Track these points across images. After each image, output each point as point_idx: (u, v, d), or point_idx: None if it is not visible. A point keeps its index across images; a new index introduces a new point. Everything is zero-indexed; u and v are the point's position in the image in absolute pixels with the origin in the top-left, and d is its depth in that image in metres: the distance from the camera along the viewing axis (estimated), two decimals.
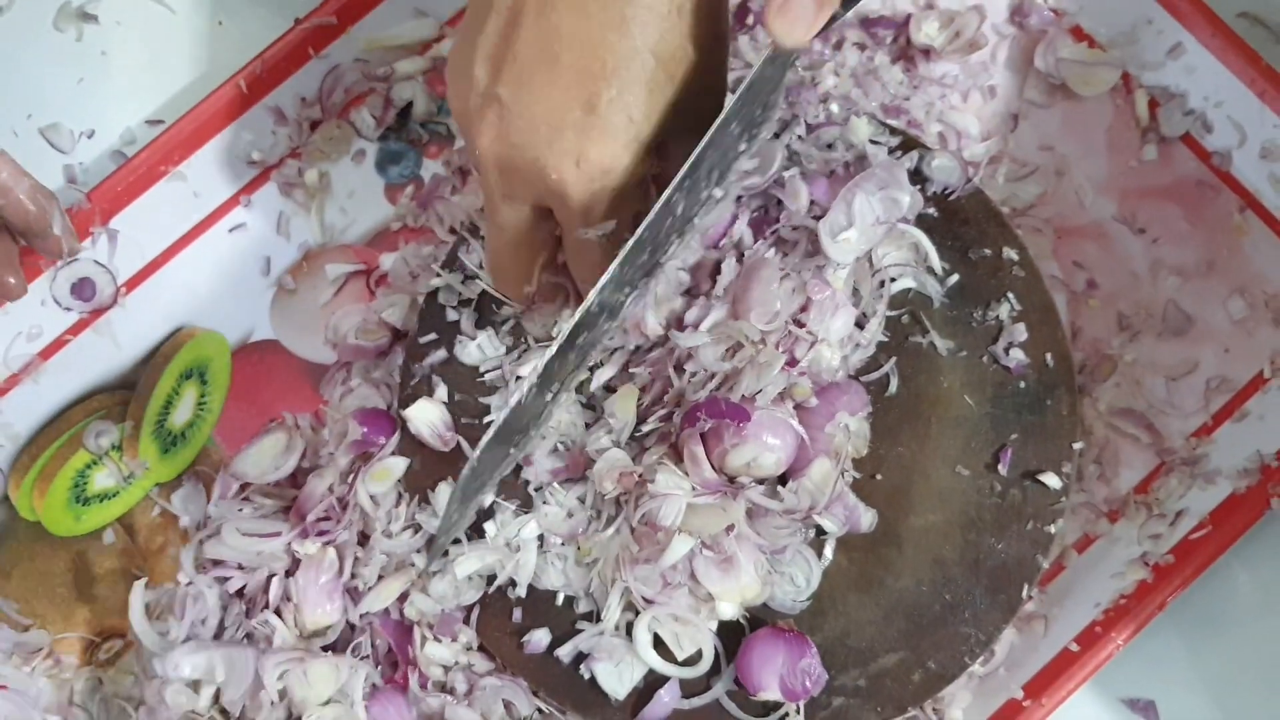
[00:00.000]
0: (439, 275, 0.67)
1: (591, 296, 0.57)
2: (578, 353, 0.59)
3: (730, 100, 0.57)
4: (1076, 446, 0.62)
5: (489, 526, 0.61)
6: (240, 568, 0.64)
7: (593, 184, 0.56)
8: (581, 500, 0.61)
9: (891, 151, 0.65)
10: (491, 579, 0.62)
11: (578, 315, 0.57)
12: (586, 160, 0.55)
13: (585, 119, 0.55)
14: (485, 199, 0.60)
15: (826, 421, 0.61)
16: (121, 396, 0.71)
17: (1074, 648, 0.63)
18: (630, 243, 0.56)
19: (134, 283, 0.72)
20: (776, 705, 0.59)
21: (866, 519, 0.61)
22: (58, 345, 0.71)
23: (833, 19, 0.56)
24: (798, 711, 0.59)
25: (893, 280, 0.63)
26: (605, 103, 0.54)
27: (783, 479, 0.60)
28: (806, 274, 0.60)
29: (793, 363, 0.60)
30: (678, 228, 0.59)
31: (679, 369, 0.61)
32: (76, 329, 0.71)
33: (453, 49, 0.59)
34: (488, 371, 0.64)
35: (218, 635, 0.63)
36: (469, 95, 0.57)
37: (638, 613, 0.60)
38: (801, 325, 0.60)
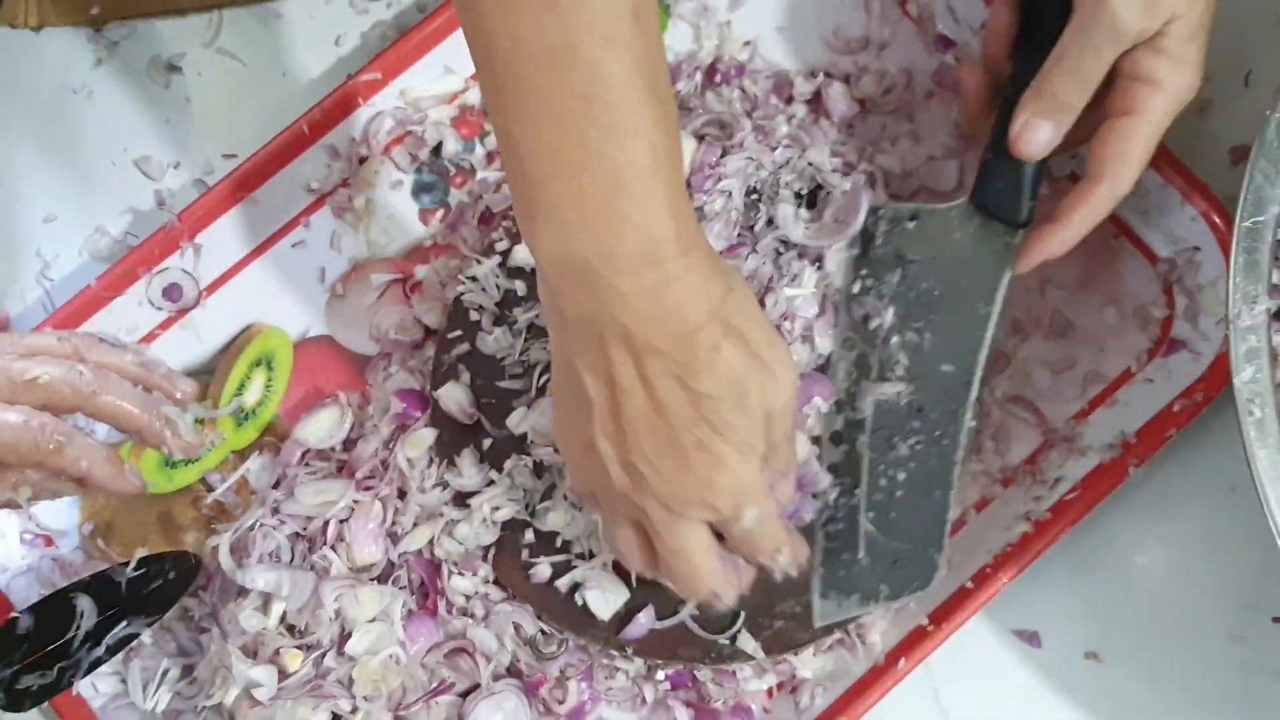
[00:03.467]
0: (463, 284, 0.77)
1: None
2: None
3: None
4: (971, 423, 0.74)
5: (502, 479, 0.73)
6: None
7: (733, 490, 0.62)
8: None
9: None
10: (506, 524, 0.74)
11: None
12: (719, 482, 0.62)
13: (703, 456, 0.61)
14: (668, 540, 0.64)
15: (805, 404, 0.73)
16: (203, 380, 0.79)
17: (970, 585, 0.74)
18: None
19: (213, 287, 0.81)
20: (732, 622, 0.73)
21: (824, 481, 0.73)
22: (150, 338, 0.80)
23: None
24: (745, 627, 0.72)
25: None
26: (709, 435, 0.61)
27: None
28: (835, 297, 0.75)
29: None
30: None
31: None
32: (166, 325, 0.80)
33: (562, 433, 0.65)
34: (503, 360, 0.76)
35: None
36: (609, 469, 0.62)
37: None
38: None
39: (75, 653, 0.70)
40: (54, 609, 0.71)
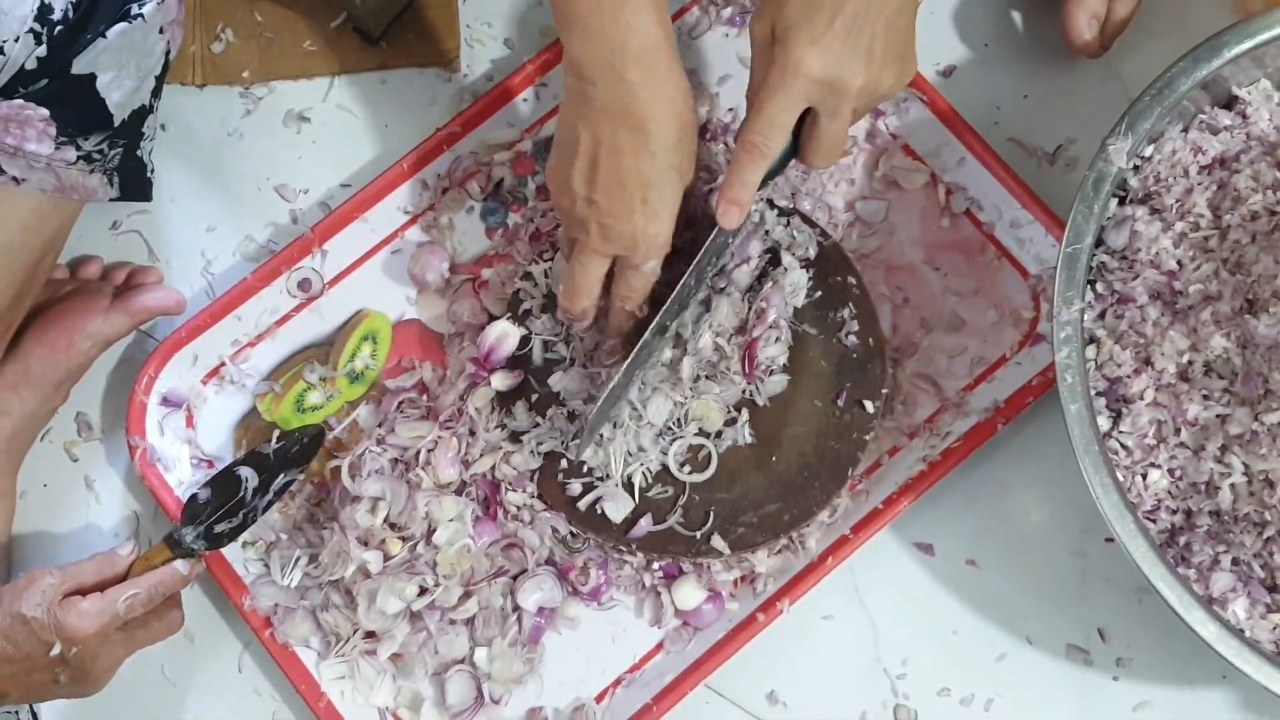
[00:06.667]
0: (519, 282, 1.00)
1: (649, 333, 0.91)
2: (639, 360, 0.94)
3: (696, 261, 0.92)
4: (884, 391, 0.99)
5: (545, 422, 0.98)
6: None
7: (649, 238, 0.87)
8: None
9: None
10: (547, 455, 0.97)
11: (643, 339, 0.92)
12: (646, 229, 0.87)
13: (644, 208, 0.86)
14: (578, 254, 0.89)
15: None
16: (325, 349, 1.01)
17: (881, 507, 0.98)
18: (664, 308, 0.93)
19: (334, 282, 1.01)
20: (705, 521, 0.98)
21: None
22: (286, 318, 1.01)
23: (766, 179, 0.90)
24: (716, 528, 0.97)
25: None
26: (653, 197, 0.86)
27: None
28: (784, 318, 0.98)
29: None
30: (681, 303, 0.95)
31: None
32: (299, 309, 1.01)
33: (552, 171, 0.88)
34: (547, 338, 1.00)
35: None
36: (575, 200, 0.87)
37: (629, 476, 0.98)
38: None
39: (250, 503, 0.93)
40: (223, 482, 0.94)
